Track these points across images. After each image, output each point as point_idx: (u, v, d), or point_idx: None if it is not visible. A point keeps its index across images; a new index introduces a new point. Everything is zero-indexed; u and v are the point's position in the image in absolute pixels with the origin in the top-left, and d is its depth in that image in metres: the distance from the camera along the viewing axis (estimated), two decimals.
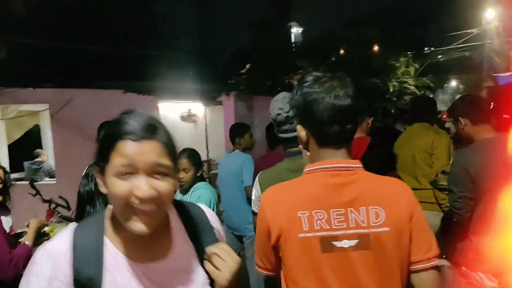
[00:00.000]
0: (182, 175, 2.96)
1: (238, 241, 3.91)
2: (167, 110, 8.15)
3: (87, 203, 2.07)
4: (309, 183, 1.29)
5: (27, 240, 2.31)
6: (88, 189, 2.09)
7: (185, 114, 10.43)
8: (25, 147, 7.58)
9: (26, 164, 7.08)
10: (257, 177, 2.00)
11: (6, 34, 6.21)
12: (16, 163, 6.95)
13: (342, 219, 1.22)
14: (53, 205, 5.01)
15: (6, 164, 6.48)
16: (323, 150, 1.30)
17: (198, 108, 10.58)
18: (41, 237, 2.47)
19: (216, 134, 10.53)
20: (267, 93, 8.92)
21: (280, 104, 2.03)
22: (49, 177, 6.87)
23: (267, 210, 1.30)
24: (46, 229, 2.60)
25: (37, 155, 7.34)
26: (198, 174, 2.97)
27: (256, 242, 1.39)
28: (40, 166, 6.92)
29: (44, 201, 5.01)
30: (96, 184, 2.13)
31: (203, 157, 10.87)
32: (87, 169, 2.17)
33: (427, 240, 1.26)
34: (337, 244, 1.22)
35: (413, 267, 1.26)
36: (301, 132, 1.34)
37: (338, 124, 1.26)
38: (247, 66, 13.61)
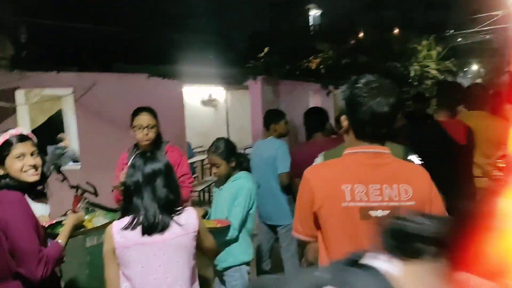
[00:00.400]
0: (214, 170, 2.87)
1: (271, 231, 3.81)
2: (187, 94, 8.04)
3: (134, 195, 1.97)
4: (350, 162, 1.53)
5: (61, 238, 2.10)
6: (135, 179, 1.98)
7: (206, 98, 10.33)
8: (47, 132, 7.56)
9: (50, 148, 7.04)
10: (321, 154, 2.11)
11: (28, 16, 6.12)
12: (38, 148, 6.91)
13: (378, 193, 1.46)
14: (80, 191, 4.98)
15: None
16: (359, 142, 1.55)
17: (218, 92, 10.45)
18: (77, 228, 2.29)
19: (238, 118, 10.41)
20: (286, 77, 8.76)
21: None
22: (73, 162, 6.84)
23: (313, 182, 1.53)
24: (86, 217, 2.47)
25: (60, 140, 7.29)
26: (232, 165, 2.86)
27: (297, 210, 1.62)
28: (65, 150, 6.88)
29: (72, 187, 4.97)
30: (144, 175, 2.03)
31: None
32: (133, 158, 2.07)
33: (441, 213, 1.50)
34: (373, 213, 1.46)
35: None
36: (344, 122, 1.59)
37: (373, 126, 1.49)
38: (265, 49, 13.39)
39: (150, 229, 1.90)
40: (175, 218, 1.96)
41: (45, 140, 7.38)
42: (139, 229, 1.90)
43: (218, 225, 2.65)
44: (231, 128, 10.97)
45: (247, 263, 2.82)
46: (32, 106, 6.43)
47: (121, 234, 1.89)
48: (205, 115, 10.58)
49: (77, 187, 4.93)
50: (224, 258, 2.75)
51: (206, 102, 10.46)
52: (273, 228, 3.77)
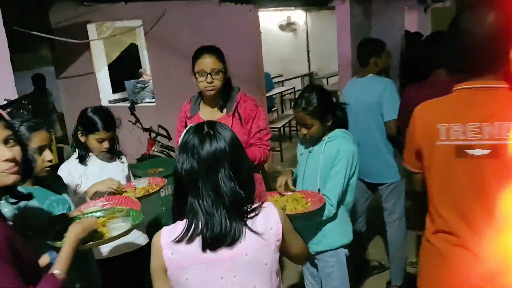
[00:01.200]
0: (304, 131, 2.07)
1: (369, 190, 3.02)
2: (263, 19, 7.09)
3: (189, 191, 1.29)
4: (452, 100, 1.45)
5: (57, 267, 1.30)
6: (188, 168, 1.24)
7: (284, 22, 9.27)
8: (122, 67, 7.20)
9: (130, 83, 6.69)
10: None
11: None
12: (115, 83, 6.59)
13: (477, 131, 1.36)
14: (153, 134, 4.54)
15: (107, 84, 6.12)
16: (464, 77, 1.43)
17: (298, 15, 9.32)
18: (85, 242, 1.47)
19: (320, 43, 9.27)
20: None
21: None
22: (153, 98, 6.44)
23: (417, 119, 1.51)
24: (97, 214, 1.72)
25: (141, 75, 6.92)
26: (328, 124, 2.06)
27: (406, 142, 1.59)
28: (146, 85, 6.48)
29: (144, 129, 4.54)
30: (201, 162, 1.25)
31: (304, 70, 9.81)
32: (183, 136, 1.35)
33: None
34: (470, 152, 1.37)
35: None
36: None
37: (470, 60, 1.39)
38: None
39: (214, 242, 1.22)
40: (249, 223, 1.25)
41: (123, 75, 7.04)
42: (198, 241, 1.23)
43: (309, 203, 1.94)
44: (312, 54, 9.92)
45: (346, 246, 2.11)
46: (106, 40, 5.99)
47: (174, 249, 1.24)
48: (283, 41, 9.58)
49: (149, 130, 4.50)
50: (317, 240, 2.06)
51: (284, 26, 9.42)
52: (372, 186, 2.99)
